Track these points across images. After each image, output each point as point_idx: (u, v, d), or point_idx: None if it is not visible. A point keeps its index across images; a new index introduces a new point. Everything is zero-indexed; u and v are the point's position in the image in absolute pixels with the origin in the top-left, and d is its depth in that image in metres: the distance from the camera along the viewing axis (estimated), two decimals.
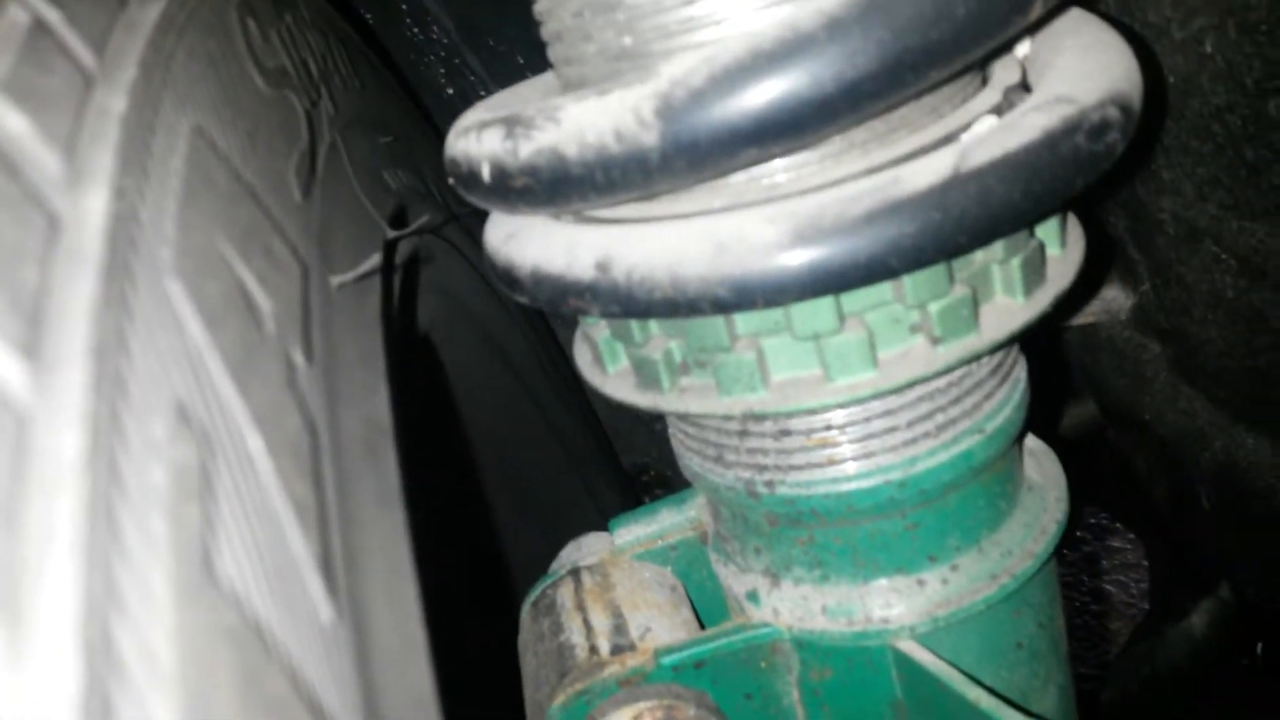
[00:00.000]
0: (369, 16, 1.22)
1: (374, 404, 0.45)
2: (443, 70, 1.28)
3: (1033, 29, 0.50)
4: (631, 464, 1.52)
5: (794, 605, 0.60)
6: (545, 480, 1.23)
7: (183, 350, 0.27)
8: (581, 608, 0.66)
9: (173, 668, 0.21)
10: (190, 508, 0.24)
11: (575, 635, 0.64)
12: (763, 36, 0.40)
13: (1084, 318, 0.91)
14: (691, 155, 0.42)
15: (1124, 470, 1.09)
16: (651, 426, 1.44)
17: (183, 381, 0.27)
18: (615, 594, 0.67)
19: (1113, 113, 0.44)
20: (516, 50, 1.25)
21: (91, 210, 0.26)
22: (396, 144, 0.76)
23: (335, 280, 0.46)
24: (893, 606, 0.58)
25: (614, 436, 1.45)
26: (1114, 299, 0.90)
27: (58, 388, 0.22)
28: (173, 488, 0.24)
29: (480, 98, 1.27)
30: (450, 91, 1.29)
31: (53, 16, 0.30)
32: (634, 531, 0.71)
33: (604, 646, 0.63)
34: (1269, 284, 0.72)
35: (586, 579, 0.69)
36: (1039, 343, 0.61)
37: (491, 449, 1.15)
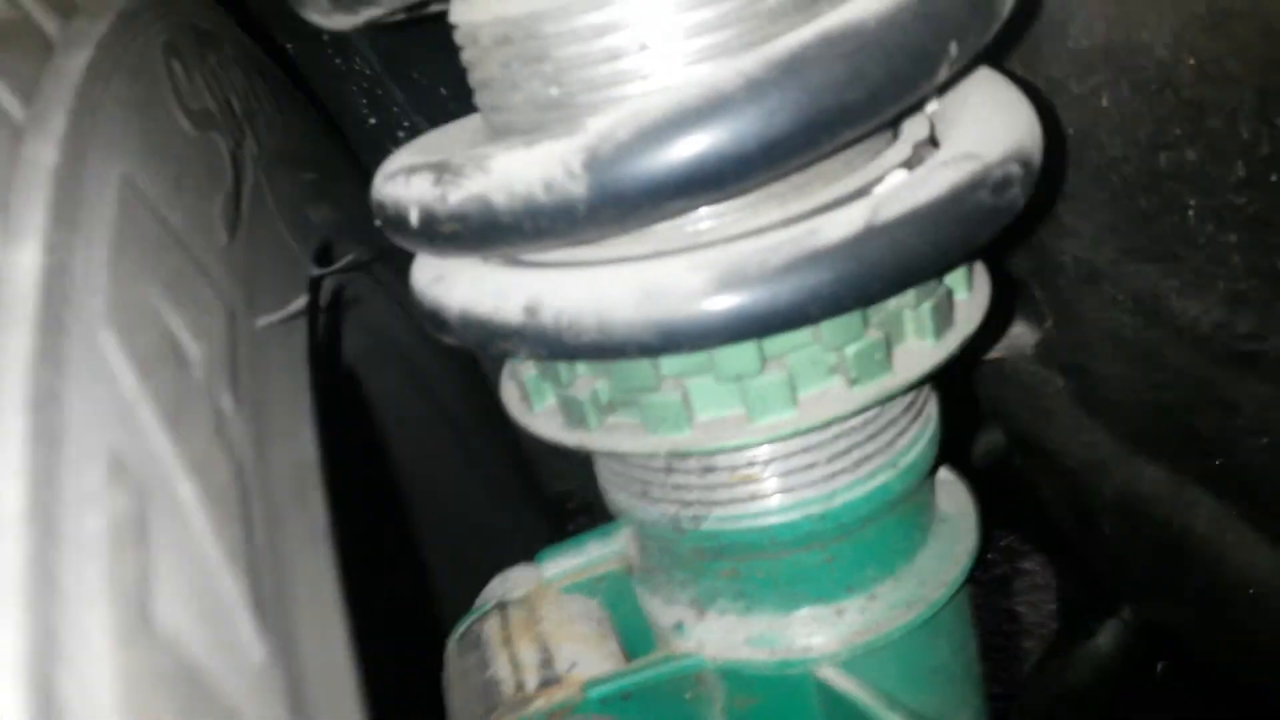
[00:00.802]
0: (289, 46, 1.21)
1: (300, 444, 0.45)
2: (365, 100, 1.27)
3: (940, 90, 0.53)
4: (555, 492, 1.52)
5: (719, 636, 0.62)
6: (469, 511, 1.23)
7: (116, 401, 0.28)
8: (508, 642, 0.67)
9: (113, 712, 0.22)
10: (126, 556, 0.24)
11: (502, 670, 0.65)
12: (686, 94, 0.42)
13: (991, 353, 0.94)
14: (618, 206, 0.43)
15: (1031, 497, 1.13)
16: (573, 455, 1.44)
17: (116, 432, 0.27)
18: (542, 627, 0.68)
19: (1015, 169, 0.47)
20: (440, 82, 1.25)
21: (24, 264, 0.26)
22: (320, 180, 0.76)
23: (261, 321, 0.46)
24: (814, 635, 0.60)
25: (537, 464, 1.45)
26: (1019, 335, 0.94)
27: None
28: (109, 537, 0.24)
29: (403, 129, 1.27)
30: (373, 121, 1.28)
31: None
32: (561, 564, 0.71)
33: (531, 681, 0.64)
34: (1163, 324, 0.76)
35: (513, 613, 0.69)
36: (951, 376, 0.63)
37: (414, 481, 1.15)
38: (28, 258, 0.26)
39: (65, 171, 0.30)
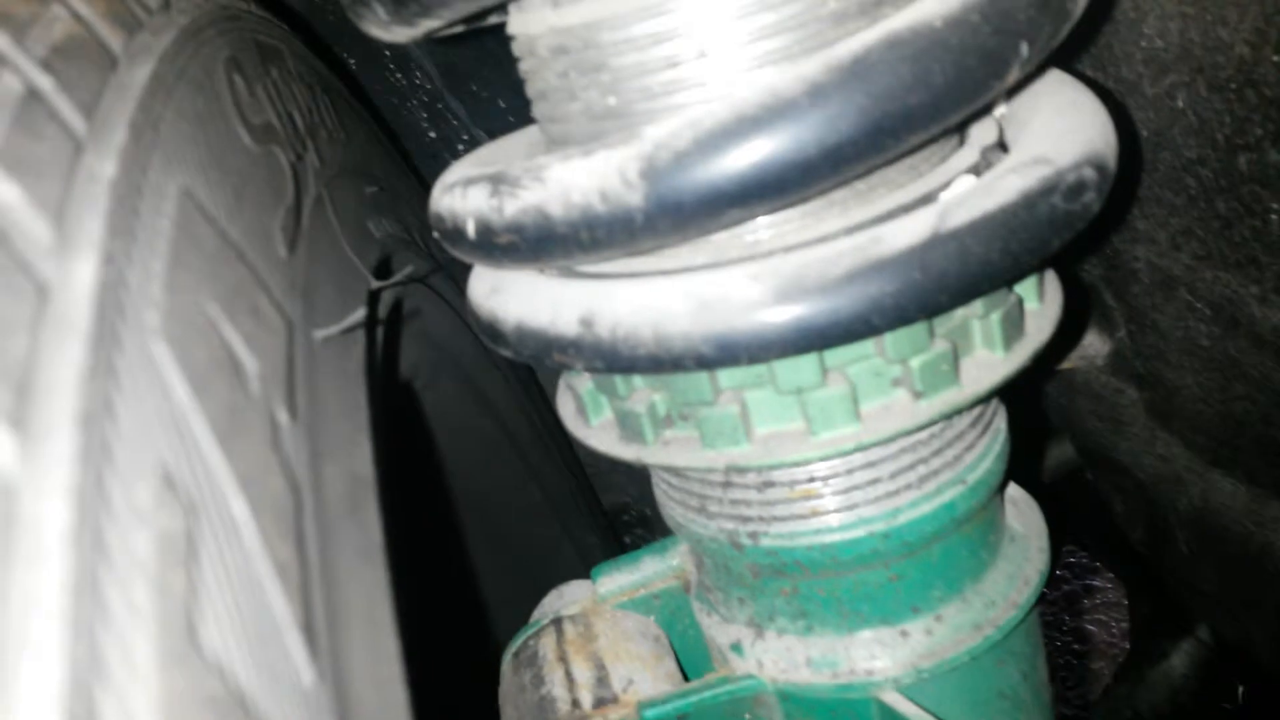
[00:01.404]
0: (352, 61, 1.23)
1: (356, 458, 0.45)
2: (425, 114, 1.28)
3: (1009, 92, 0.51)
4: (611, 503, 1.52)
5: (778, 657, 0.60)
6: (525, 523, 1.23)
7: (169, 415, 0.27)
8: (564, 659, 0.66)
9: None
10: (175, 575, 0.24)
11: (557, 688, 0.64)
12: (745, 101, 0.41)
13: (1062, 363, 0.92)
14: (676, 216, 0.42)
15: (1102, 512, 1.09)
16: (630, 466, 1.44)
17: (169, 447, 0.27)
18: (598, 645, 0.67)
19: (1089, 173, 0.45)
20: (499, 95, 1.26)
21: (80, 277, 0.26)
22: (380, 193, 0.76)
23: (319, 334, 0.46)
24: (877, 658, 0.58)
25: (594, 476, 1.45)
26: (1091, 344, 0.91)
27: (45, 458, 0.22)
28: (158, 555, 0.24)
29: (462, 141, 1.28)
30: (432, 135, 1.30)
31: (45, 84, 0.30)
32: (617, 580, 0.71)
33: (586, 699, 0.63)
34: (1242, 333, 0.73)
35: (569, 629, 0.69)
36: (1019, 386, 0.61)
37: (471, 494, 1.15)
38: (84, 269, 0.26)
39: (124, 184, 0.30)
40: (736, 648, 0.62)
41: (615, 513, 1.53)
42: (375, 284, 0.61)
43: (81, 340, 0.25)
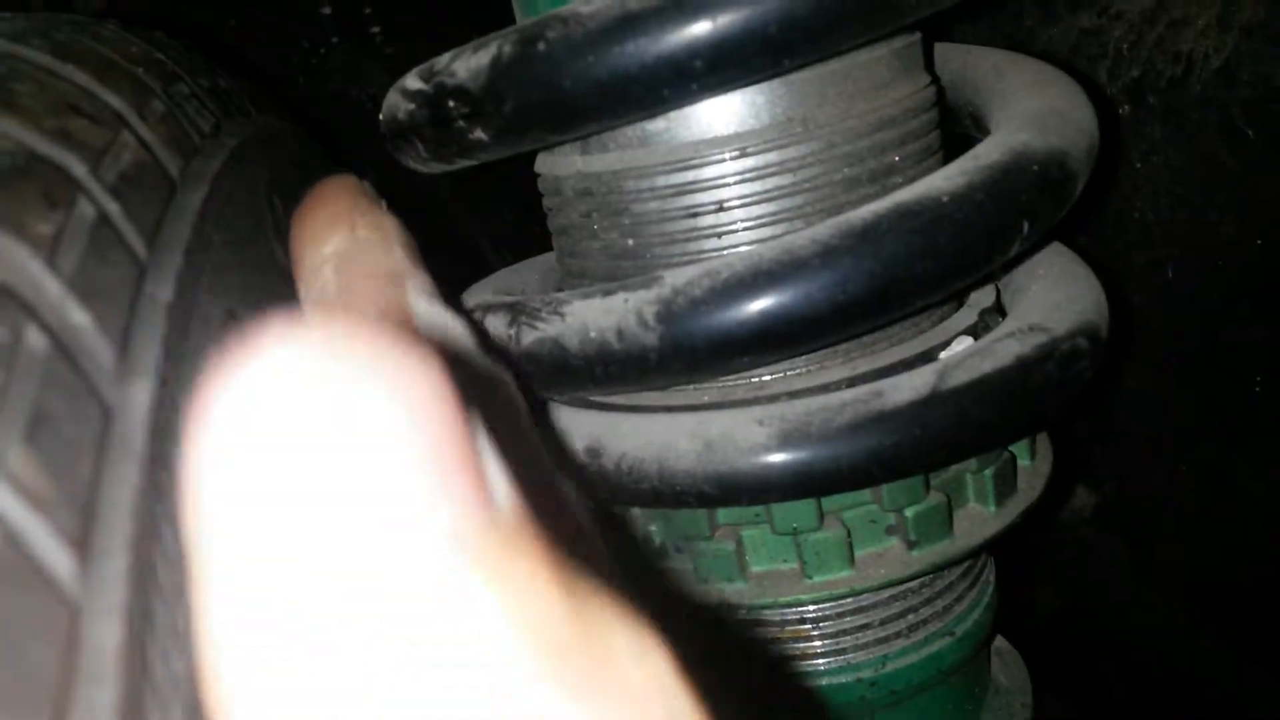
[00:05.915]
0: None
1: None
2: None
3: (1011, 264, 0.54)
4: None
5: None
6: None
7: None
8: None
9: None
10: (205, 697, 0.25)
11: None
12: (761, 256, 0.43)
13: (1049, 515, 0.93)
14: (689, 358, 0.44)
15: (1085, 664, 1.09)
16: None
17: None
18: None
19: (1082, 343, 0.47)
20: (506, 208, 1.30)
21: (138, 400, 0.27)
22: None
23: None
24: None
25: None
26: (1078, 496, 0.93)
27: (102, 579, 0.23)
28: (191, 678, 0.25)
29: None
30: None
31: (113, 209, 0.32)
32: None
33: None
34: (1226, 498, 0.75)
35: None
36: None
37: None
38: (142, 393, 0.28)
39: (178, 308, 0.32)
40: None
41: None
42: None
43: (137, 462, 0.26)
